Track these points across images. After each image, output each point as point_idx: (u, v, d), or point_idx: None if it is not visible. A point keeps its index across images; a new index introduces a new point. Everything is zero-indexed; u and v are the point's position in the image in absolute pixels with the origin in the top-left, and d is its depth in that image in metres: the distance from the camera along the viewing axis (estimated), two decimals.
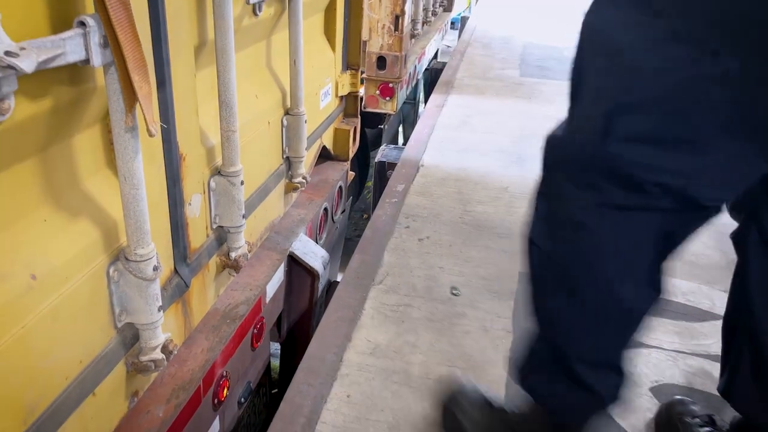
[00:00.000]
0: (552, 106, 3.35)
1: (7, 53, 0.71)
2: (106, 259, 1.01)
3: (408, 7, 3.41)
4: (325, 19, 2.17)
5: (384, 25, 3.26)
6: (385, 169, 2.77)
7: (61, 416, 0.95)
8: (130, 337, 1.12)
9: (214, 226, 1.41)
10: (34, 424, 0.89)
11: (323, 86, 2.18)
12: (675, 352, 1.51)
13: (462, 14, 6.60)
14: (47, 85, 0.83)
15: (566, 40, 5.20)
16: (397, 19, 3.24)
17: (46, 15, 0.81)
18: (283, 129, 1.80)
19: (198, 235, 1.34)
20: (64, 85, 0.87)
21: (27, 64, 0.73)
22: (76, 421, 0.99)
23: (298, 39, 1.69)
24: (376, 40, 3.31)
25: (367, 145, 3.88)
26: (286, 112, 1.80)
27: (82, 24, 0.82)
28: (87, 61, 0.83)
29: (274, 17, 1.63)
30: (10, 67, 0.71)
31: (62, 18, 0.83)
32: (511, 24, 5.82)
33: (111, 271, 1.03)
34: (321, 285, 1.91)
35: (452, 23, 6.84)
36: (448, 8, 5.36)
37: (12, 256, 0.84)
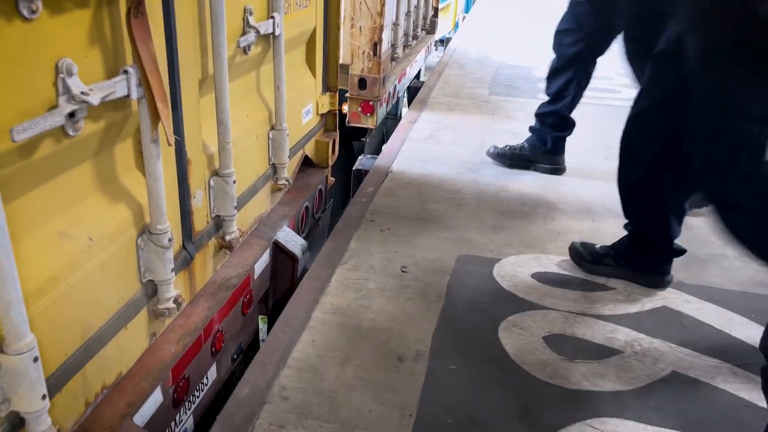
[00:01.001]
0: (512, 122, 3.79)
1: (83, 93, 1.15)
2: (136, 231, 1.44)
3: (387, 34, 3.86)
4: (307, 50, 2.62)
5: (364, 51, 3.71)
6: (361, 176, 3.21)
7: (105, 339, 1.38)
8: (151, 292, 1.54)
9: (213, 215, 1.84)
10: (89, 340, 1.32)
11: (305, 106, 2.63)
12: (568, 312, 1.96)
13: (446, 36, 7.07)
14: (101, 111, 1.27)
15: (535, 60, 5.68)
16: (375, 46, 3.69)
17: (104, 66, 1.25)
18: (269, 141, 2.24)
19: (200, 221, 1.77)
20: (111, 111, 1.31)
21: (94, 99, 1.16)
22: (114, 345, 1.41)
23: (281, 70, 2.13)
24: (357, 64, 3.75)
25: (354, 155, 4.32)
26: (272, 128, 2.24)
27: (126, 71, 1.27)
28: (128, 95, 1.27)
29: (261, 54, 2.08)
30: (84, 102, 1.15)
31: (114, 68, 1.27)
32: (488, 46, 6.29)
33: (139, 240, 1.46)
34: (300, 268, 2.34)
35: (441, 41, 7.29)
36: (431, 31, 5.83)
37: (77, 224, 1.28)
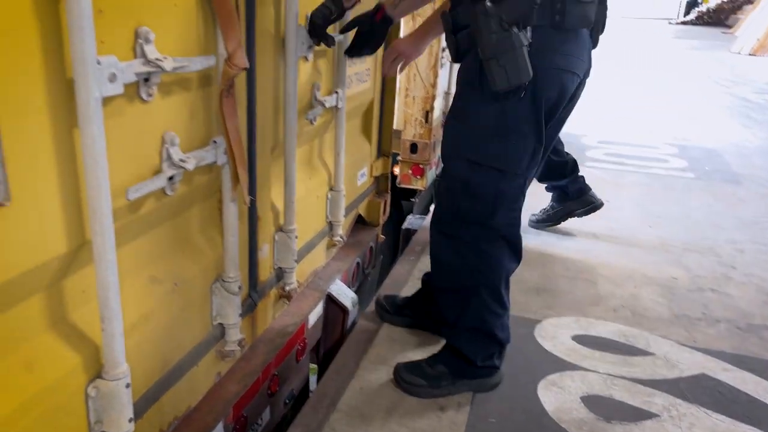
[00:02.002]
0: None
1: (181, 160, 1.37)
2: (212, 278, 1.64)
3: (438, 103, 4.10)
4: (364, 119, 2.86)
5: (416, 118, 3.94)
6: (410, 235, 3.37)
7: (179, 374, 1.55)
8: (219, 334, 1.72)
9: (276, 267, 2.03)
10: (167, 374, 1.50)
11: (361, 169, 2.84)
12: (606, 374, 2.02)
13: None
14: (193, 176, 1.48)
15: (584, 128, 5.82)
16: (427, 114, 3.92)
17: (198, 137, 1.48)
18: (328, 201, 2.44)
19: (264, 272, 1.96)
20: (200, 175, 1.52)
21: (190, 165, 1.38)
22: (186, 380, 1.59)
23: (341, 138, 2.36)
24: (410, 129, 3.98)
25: (403, 214, 4.51)
26: (330, 189, 2.45)
27: (215, 141, 1.49)
28: (215, 162, 1.49)
29: (324, 124, 2.31)
30: (182, 167, 1.36)
31: (205, 138, 1.49)
32: None
33: (213, 287, 1.65)
34: (350, 320, 2.49)
35: None
36: None
37: (165, 271, 1.48)
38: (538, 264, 2.82)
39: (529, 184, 1.84)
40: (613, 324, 2.35)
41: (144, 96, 1.25)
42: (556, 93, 1.67)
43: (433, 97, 3.91)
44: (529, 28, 1.54)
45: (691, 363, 2.13)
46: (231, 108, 1.48)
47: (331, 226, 2.49)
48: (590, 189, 3.25)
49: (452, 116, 1.82)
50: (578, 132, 5.61)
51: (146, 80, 1.24)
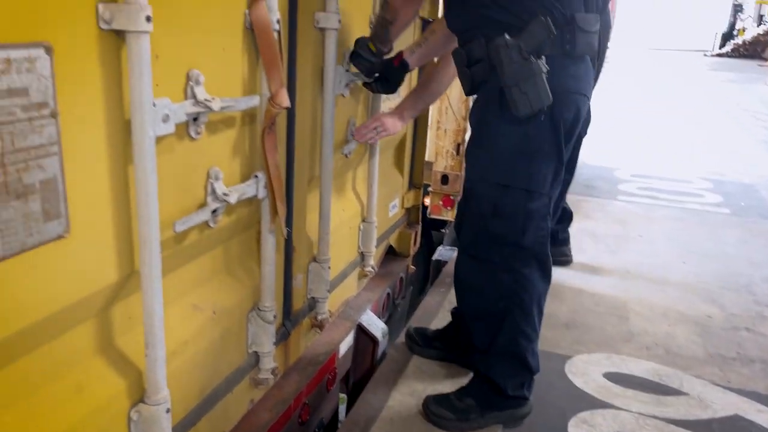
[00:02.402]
0: (590, 221, 3.90)
1: (224, 194, 1.43)
2: (249, 306, 1.69)
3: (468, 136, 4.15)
4: (397, 152, 2.92)
5: (448, 150, 3.99)
6: (440, 266, 3.39)
7: (215, 400, 1.60)
8: (254, 361, 1.76)
9: (309, 296, 2.08)
10: (203, 400, 1.54)
11: (392, 200, 2.89)
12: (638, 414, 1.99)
13: None
14: (236, 208, 1.55)
15: (617, 160, 5.79)
16: (458, 147, 3.97)
17: (240, 171, 1.54)
18: (360, 232, 2.49)
19: (298, 301, 2.01)
20: (241, 207, 1.59)
21: (232, 199, 1.44)
22: (221, 407, 1.63)
23: (374, 171, 2.41)
24: (441, 161, 4.03)
25: (433, 244, 4.54)
26: (363, 220, 2.50)
27: (256, 176, 1.56)
28: (256, 195, 1.56)
29: (359, 157, 2.37)
30: (225, 201, 1.43)
31: (247, 172, 1.56)
32: None
33: (249, 315, 1.71)
34: (380, 350, 2.51)
35: None
36: None
37: (206, 299, 1.53)
38: (567, 298, 2.81)
39: (552, 204, 1.88)
40: (645, 362, 2.32)
41: (193, 134, 1.32)
42: (572, 114, 1.76)
43: (465, 130, 3.96)
44: (543, 56, 1.62)
45: (725, 403, 2.09)
46: (272, 144, 1.55)
47: (362, 256, 2.54)
48: (569, 243, 3.27)
49: (476, 144, 1.87)
50: (611, 165, 5.59)
51: (195, 119, 1.32)
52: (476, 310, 1.96)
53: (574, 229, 3.53)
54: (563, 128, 1.72)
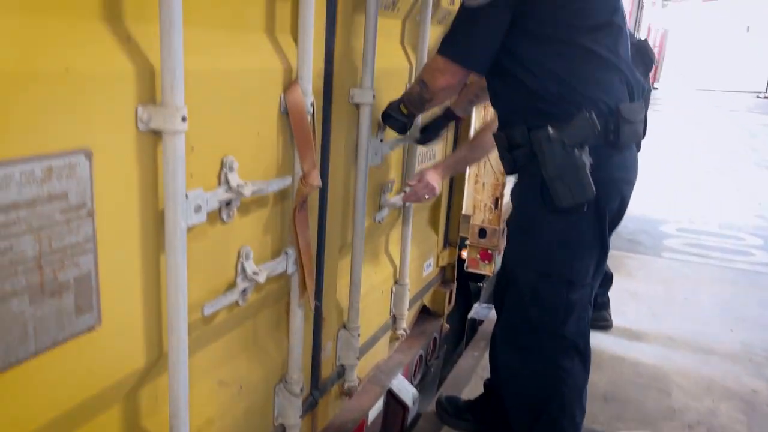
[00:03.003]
0: (633, 281, 3.79)
1: (254, 273, 1.46)
2: (276, 379, 1.70)
3: (508, 190, 4.12)
4: (432, 211, 2.92)
5: (486, 204, 3.97)
6: (475, 325, 3.34)
7: None
8: None
9: (338, 364, 2.07)
10: None
11: (427, 260, 2.88)
12: None
13: None
14: (266, 284, 1.57)
15: (665, 213, 5.63)
16: (496, 201, 3.95)
17: (271, 249, 1.57)
18: (392, 294, 2.49)
19: (327, 369, 2.00)
20: (270, 283, 1.61)
21: (261, 278, 1.47)
22: None
23: (408, 233, 2.42)
24: (479, 215, 4.01)
25: (470, 296, 4.48)
26: (395, 282, 2.49)
27: (286, 253, 1.58)
28: (285, 271, 1.58)
29: (391, 221, 2.39)
30: (254, 280, 1.45)
31: (278, 249, 1.59)
32: None
33: (276, 387, 1.71)
34: (410, 417, 2.47)
35: None
36: None
37: (232, 375, 1.55)
38: (608, 367, 2.72)
39: (594, 293, 1.84)
40: None
41: (225, 218, 1.36)
42: (617, 204, 1.73)
43: (503, 185, 3.94)
44: (587, 146, 1.59)
45: None
46: (303, 222, 1.57)
47: (394, 319, 2.53)
48: (609, 307, 3.16)
49: (517, 228, 1.85)
50: (657, 217, 5.44)
51: (228, 204, 1.36)
52: (514, 396, 1.93)
53: (615, 288, 3.43)
54: (607, 218, 1.69)
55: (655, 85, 31.39)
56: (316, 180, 1.54)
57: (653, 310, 3.36)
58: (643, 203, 5.90)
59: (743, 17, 30.05)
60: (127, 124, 1.08)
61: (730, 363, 2.81)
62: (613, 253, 4.20)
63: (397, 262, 2.48)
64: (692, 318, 3.28)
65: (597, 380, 2.57)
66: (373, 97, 1.87)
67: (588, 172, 1.56)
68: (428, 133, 2.23)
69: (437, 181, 2.15)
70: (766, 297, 3.67)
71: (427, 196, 2.17)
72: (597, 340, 2.95)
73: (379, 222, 2.22)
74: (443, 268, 3.14)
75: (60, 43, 0.95)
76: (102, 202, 1.04)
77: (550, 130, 1.58)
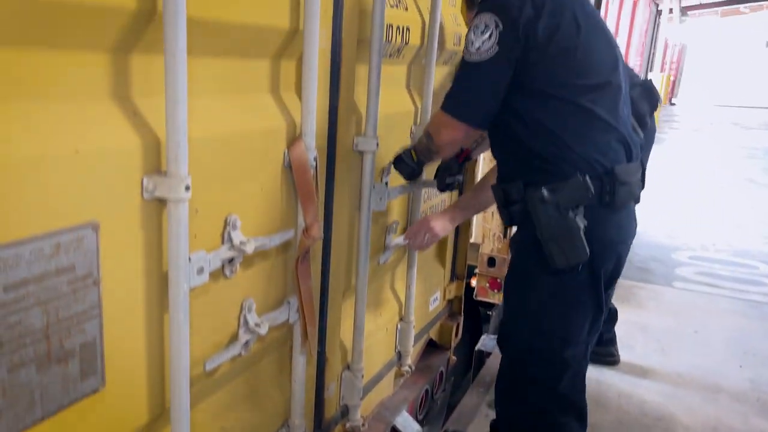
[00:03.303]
0: (643, 312, 3.78)
1: (256, 324, 1.50)
2: (278, 424, 1.73)
3: None
4: (438, 246, 2.95)
5: (495, 233, 3.99)
6: (483, 357, 3.35)
7: None
8: None
9: (341, 404, 2.10)
10: None
11: (433, 294, 2.91)
12: None
13: None
14: (269, 334, 1.61)
15: (679, 239, 5.59)
16: (506, 229, 3.97)
17: (273, 299, 1.62)
18: (397, 331, 2.52)
19: (330, 409, 2.03)
20: (272, 331, 1.65)
21: (263, 330, 1.51)
22: None
23: (413, 272, 2.45)
24: (488, 244, 4.03)
25: (480, 323, 4.49)
26: (401, 319, 2.52)
27: (288, 302, 1.62)
28: (287, 320, 1.62)
29: (397, 259, 2.42)
30: (256, 332, 1.50)
31: (280, 298, 1.63)
32: None
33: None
34: None
35: None
36: None
37: (234, 422, 1.59)
38: (613, 406, 2.71)
39: (590, 349, 1.85)
40: None
41: (227, 274, 1.41)
42: (612, 264, 1.75)
43: None
44: (582, 208, 1.62)
45: None
46: (306, 272, 1.62)
47: (399, 355, 2.55)
48: (616, 343, 3.16)
49: (513, 282, 1.87)
50: (669, 243, 5.41)
51: (230, 261, 1.40)
52: None
53: (624, 321, 3.44)
54: (603, 278, 1.71)
55: (673, 101, 31.21)
56: (318, 233, 1.58)
57: (662, 344, 3.35)
58: (655, 226, 5.87)
59: (762, 32, 29.79)
60: (133, 194, 1.13)
61: (737, 402, 2.79)
62: (623, 283, 4.22)
63: (402, 299, 2.51)
64: (701, 353, 3.26)
65: (602, 420, 2.57)
66: (377, 145, 1.92)
67: (582, 234, 1.59)
68: (441, 178, 2.19)
69: (441, 229, 2.16)
70: None
71: (427, 243, 2.20)
72: (604, 376, 2.96)
73: (384, 263, 2.26)
74: (450, 301, 3.16)
75: (70, 126, 1.00)
76: (107, 270, 1.09)
77: (545, 191, 1.61)
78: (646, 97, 2.53)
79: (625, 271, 4.65)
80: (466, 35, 1.66)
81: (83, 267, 1.05)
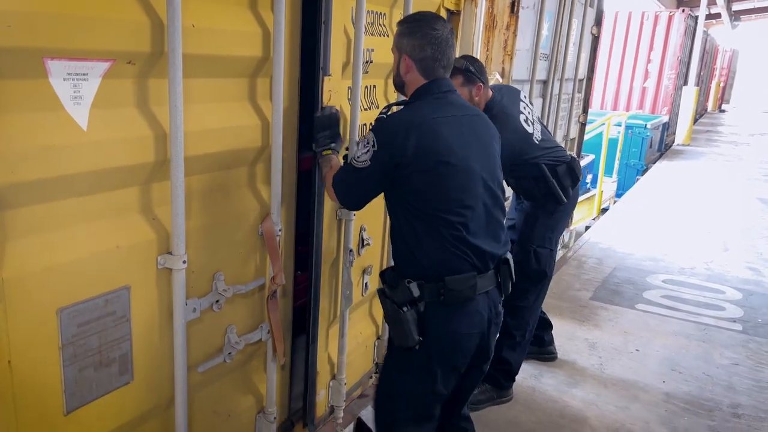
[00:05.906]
0: (596, 332, 4.35)
1: (236, 342, 2.25)
2: (256, 410, 2.48)
3: None
4: None
5: None
6: None
7: None
8: None
9: (329, 405, 2.84)
10: None
11: None
12: None
13: (587, 224, 7.68)
14: (247, 348, 2.35)
15: (660, 263, 6.01)
16: None
17: (250, 323, 2.36)
18: (375, 347, 3.23)
19: (320, 410, 2.77)
20: (250, 345, 2.39)
21: (241, 346, 2.25)
22: None
23: None
24: None
25: None
26: (378, 338, 3.24)
27: (261, 327, 2.36)
28: (261, 339, 2.36)
29: (373, 292, 3.14)
30: (236, 348, 2.24)
31: (255, 323, 2.37)
32: (620, 237, 6.76)
33: (257, 416, 2.49)
34: None
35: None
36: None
37: (219, 408, 2.34)
38: (539, 409, 3.31)
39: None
40: None
41: (215, 309, 2.16)
42: (459, 354, 2.08)
43: None
44: (422, 304, 2.01)
45: None
46: (274, 306, 2.35)
47: (377, 366, 3.27)
48: (554, 343, 3.88)
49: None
50: (650, 267, 5.80)
51: (217, 301, 2.15)
52: None
53: (577, 338, 4.04)
54: (447, 364, 2.06)
55: (723, 107, 30.65)
56: (280, 279, 2.31)
57: (602, 360, 3.93)
58: (645, 248, 6.32)
59: None
60: (151, 266, 1.88)
61: (645, 411, 3.37)
62: (591, 303, 4.78)
63: (380, 322, 3.24)
64: (633, 369, 3.83)
65: (525, 419, 3.21)
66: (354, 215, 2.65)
67: (412, 324, 1.98)
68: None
69: None
70: (711, 351, 4.11)
71: None
72: (540, 383, 3.59)
73: (363, 293, 2.99)
74: None
75: (112, 233, 1.76)
76: (135, 312, 1.85)
77: (387, 290, 2.09)
78: (569, 173, 3.13)
79: (596, 293, 5.20)
80: (357, 142, 2.33)
81: (121, 311, 1.81)
